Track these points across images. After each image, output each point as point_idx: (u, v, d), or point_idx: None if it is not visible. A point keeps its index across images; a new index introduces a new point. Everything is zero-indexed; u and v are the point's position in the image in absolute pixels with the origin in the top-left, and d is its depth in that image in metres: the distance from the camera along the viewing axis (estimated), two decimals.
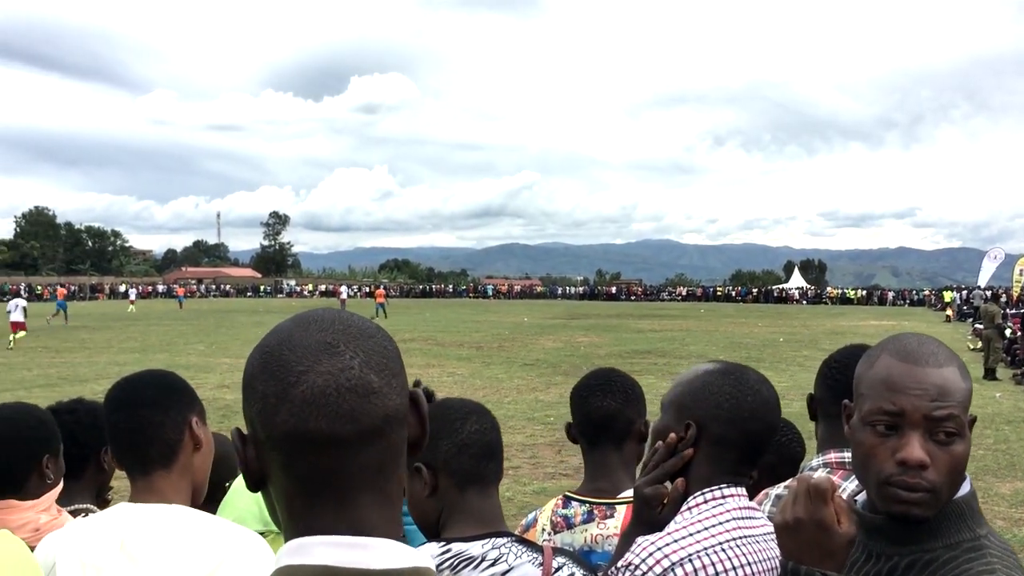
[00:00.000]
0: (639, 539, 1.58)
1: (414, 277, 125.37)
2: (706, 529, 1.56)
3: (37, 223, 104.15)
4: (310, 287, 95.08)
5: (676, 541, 1.54)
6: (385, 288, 62.56)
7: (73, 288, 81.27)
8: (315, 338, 0.89)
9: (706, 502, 1.60)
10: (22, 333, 25.91)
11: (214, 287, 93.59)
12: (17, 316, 26.12)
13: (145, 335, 29.94)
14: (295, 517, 0.88)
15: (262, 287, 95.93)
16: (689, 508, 1.61)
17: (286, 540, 0.89)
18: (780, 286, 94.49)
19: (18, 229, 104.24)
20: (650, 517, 1.68)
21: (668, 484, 1.67)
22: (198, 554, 1.66)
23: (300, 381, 0.85)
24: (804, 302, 78.30)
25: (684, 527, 1.56)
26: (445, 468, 1.79)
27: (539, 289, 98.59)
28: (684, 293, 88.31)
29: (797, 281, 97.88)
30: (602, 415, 2.23)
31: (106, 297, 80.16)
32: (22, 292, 40.21)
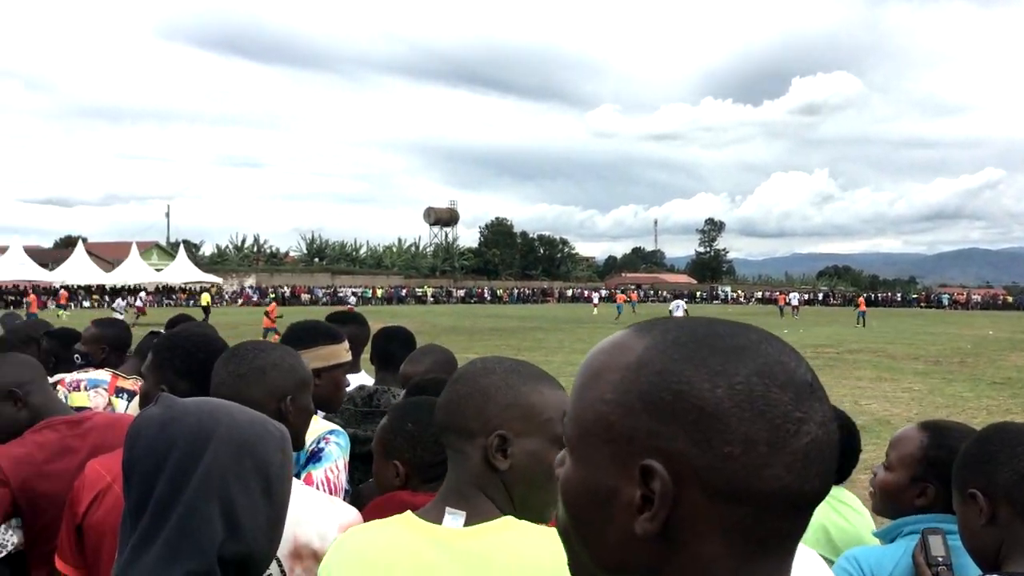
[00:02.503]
0: None
1: (855, 284, 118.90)
2: None
3: (498, 232, 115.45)
4: (743, 293, 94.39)
5: None
6: (867, 298, 60.39)
7: (527, 292, 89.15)
8: (797, 374, 0.74)
9: None
10: None
11: (652, 292, 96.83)
12: (679, 313, 31.13)
13: (592, 336, 31.73)
14: None
15: (698, 293, 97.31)
16: None
17: None
18: None
19: (482, 238, 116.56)
20: None
21: None
22: None
23: (801, 432, 0.72)
24: None
25: None
26: (1006, 497, 1.61)
27: (1005, 299, 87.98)
28: None
29: None
30: None
31: (555, 300, 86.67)
32: (684, 295, 47.13)
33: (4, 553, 2.85)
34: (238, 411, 1.42)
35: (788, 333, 34.14)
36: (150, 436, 1.34)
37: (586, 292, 70.43)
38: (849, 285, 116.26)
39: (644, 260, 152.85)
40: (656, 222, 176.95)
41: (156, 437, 1.33)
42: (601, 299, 66.74)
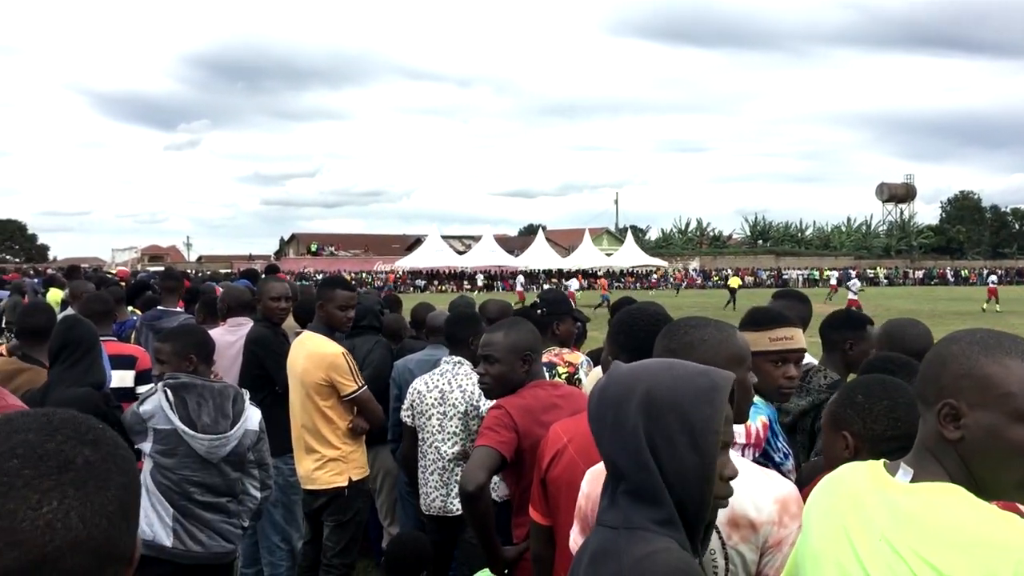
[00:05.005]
0: None
1: None
2: None
3: (962, 207, 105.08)
4: None
5: None
6: None
7: (999, 272, 79.83)
8: None
9: None
10: None
11: None
12: None
13: None
14: None
15: None
16: None
17: None
18: None
19: (943, 214, 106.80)
20: None
21: None
22: None
23: None
24: None
25: None
26: None
27: None
28: None
29: None
30: None
31: None
32: None
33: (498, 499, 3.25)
34: (662, 371, 1.60)
35: None
36: (594, 400, 1.61)
37: None
38: None
39: None
40: None
41: (599, 400, 1.60)
42: None
